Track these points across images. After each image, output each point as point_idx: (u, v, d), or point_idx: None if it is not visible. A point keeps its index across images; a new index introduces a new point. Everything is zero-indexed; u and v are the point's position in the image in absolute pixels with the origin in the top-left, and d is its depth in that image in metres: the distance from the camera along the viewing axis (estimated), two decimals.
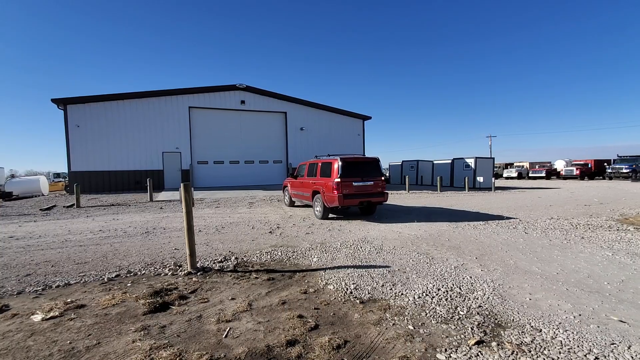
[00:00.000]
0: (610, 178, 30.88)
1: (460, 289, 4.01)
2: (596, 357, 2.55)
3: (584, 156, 47.02)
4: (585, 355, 2.58)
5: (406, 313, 3.38)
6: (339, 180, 8.53)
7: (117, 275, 4.70)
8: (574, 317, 3.22)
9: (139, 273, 4.82)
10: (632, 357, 2.54)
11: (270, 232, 7.74)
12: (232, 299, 3.81)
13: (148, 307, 3.55)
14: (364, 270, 4.77)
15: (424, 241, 6.48)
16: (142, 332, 3.02)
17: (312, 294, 3.94)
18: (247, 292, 4.00)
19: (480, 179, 21.98)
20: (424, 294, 3.86)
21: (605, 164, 34.83)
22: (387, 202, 11.47)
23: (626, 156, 31.31)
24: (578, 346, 2.71)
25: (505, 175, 40.50)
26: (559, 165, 40.70)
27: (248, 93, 24.76)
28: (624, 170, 29.42)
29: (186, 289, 4.14)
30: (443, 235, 7.01)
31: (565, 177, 34.70)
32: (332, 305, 3.59)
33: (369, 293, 3.93)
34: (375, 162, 9.35)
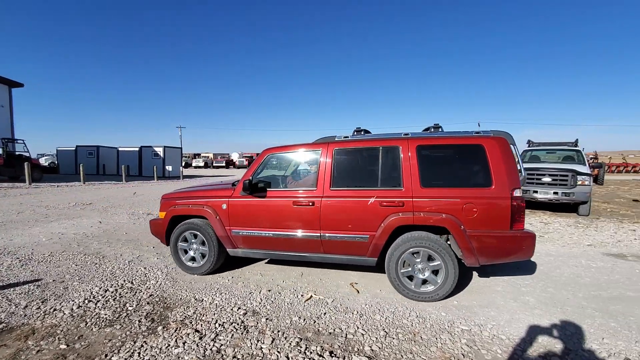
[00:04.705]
0: None
1: (132, 283, 3.84)
2: (239, 308, 3.29)
3: (253, 150, 59.85)
4: (231, 309, 3.25)
5: (59, 331, 2.80)
6: None
7: None
8: (228, 281, 3.99)
9: None
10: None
11: None
12: None
13: None
14: None
15: (96, 239, 5.67)
16: None
17: None
18: None
19: (169, 167, 22.27)
20: (87, 300, 3.37)
21: None
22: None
23: None
24: (227, 304, 3.37)
25: (194, 164, 44.08)
26: (235, 156, 49.34)
27: None
28: None
29: None
30: (120, 230, 6.46)
31: (239, 167, 43.02)
32: None
33: (1, 323, 2.90)
34: None
